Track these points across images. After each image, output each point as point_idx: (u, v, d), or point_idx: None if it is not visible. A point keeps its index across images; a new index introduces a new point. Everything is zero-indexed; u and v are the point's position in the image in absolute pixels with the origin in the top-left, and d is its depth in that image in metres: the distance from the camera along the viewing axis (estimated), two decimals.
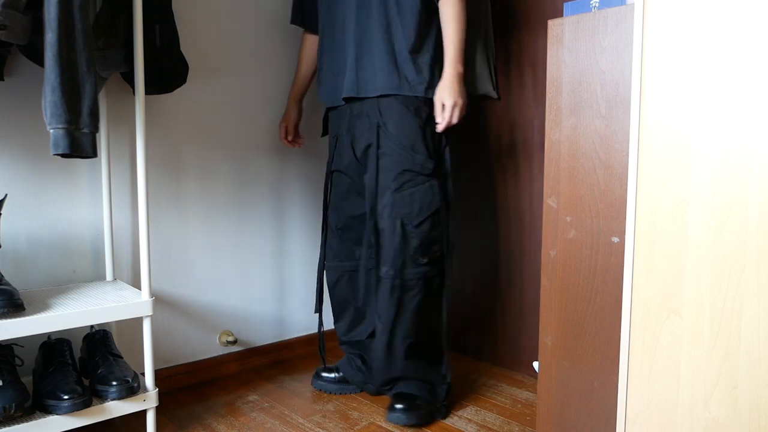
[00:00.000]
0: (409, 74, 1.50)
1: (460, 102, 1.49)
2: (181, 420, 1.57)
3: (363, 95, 1.54)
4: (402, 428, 1.52)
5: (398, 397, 1.56)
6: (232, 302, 1.91)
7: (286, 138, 1.86)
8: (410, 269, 1.51)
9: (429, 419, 1.55)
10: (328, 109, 1.72)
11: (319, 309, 1.75)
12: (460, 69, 1.50)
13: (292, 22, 1.80)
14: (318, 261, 1.88)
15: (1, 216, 1.38)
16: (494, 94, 1.92)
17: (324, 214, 1.75)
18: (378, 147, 1.53)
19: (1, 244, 1.40)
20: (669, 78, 0.96)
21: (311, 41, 1.79)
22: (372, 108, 1.54)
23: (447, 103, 1.48)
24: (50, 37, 1.06)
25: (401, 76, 1.50)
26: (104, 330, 1.46)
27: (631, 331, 1.03)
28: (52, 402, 1.21)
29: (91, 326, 1.51)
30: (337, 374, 1.76)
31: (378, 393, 1.71)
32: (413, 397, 1.57)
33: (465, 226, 2.10)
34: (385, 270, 1.53)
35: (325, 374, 1.78)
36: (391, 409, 1.53)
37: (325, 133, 1.78)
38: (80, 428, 1.26)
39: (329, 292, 1.78)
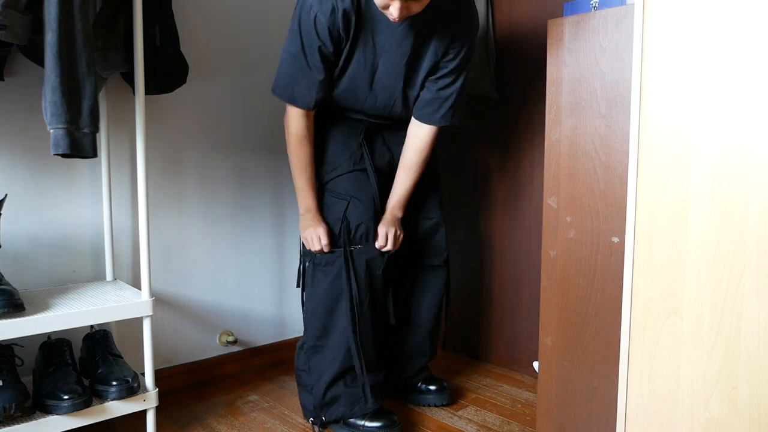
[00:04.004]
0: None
1: (400, 234, 1.53)
2: (181, 420, 1.56)
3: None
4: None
5: (428, 381, 1.68)
6: (232, 302, 1.91)
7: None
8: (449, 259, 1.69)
9: (455, 398, 1.71)
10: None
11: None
12: (400, 215, 1.55)
13: (312, 107, 1.42)
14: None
15: (1, 216, 1.38)
16: (494, 94, 1.92)
17: (343, 217, 1.47)
18: None
19: (1, 244, 1.40)
20: (669, 78, 0.96)
21: (312, 117, 1.48)
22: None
23: (390, 232, 1.50)
24: (50, 37, 1.06)
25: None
26: (104, 330, 1.46)
27: (631, 331, 1.03)
28: (52, 402, 1.21)
29: (91, 326, 1.51)
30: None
31: (402, 383, 1.75)
32: (439, 379, 1.70)
33: (464, 225, 2.10)
34: (441, 261, 1.66)
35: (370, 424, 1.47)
36: (425, 392, 1.66)
37: None
38: (80, 428, 1.26)
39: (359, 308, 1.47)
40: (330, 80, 1.41)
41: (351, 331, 1.43)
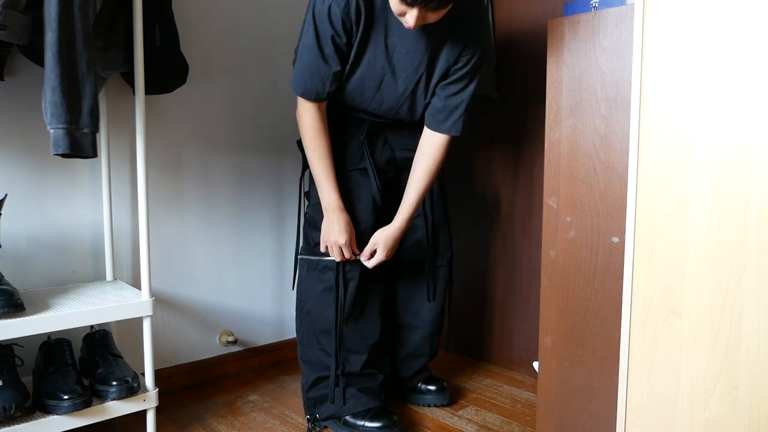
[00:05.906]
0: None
1: (388, 259, 1.47)
2: (182, 420, 1.56)
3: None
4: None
5: (428, 381, 1.69)
6: (232, 302, 1.91)
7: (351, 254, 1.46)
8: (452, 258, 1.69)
9: (455, 398, 1.72)
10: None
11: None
12: (407, 226, 1.48)
13: (323, 99, 1.41)
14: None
15: (1, 216, 1.38)
16: (494, 94, 1.92)
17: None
18: None
19: (1, 244, 1.40)
20: (669, 78, 0.96)
21: (324, 109, 1.46)
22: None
23: (380, 254, 1.44)
24: (50, 37, 1.06)
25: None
26: (104, 330, 1.46)
27: (631, 331, 1.03)
28: (52, 402, 1.21)
29: (91, 326, 1.51)
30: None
31: (402, 383, 1.73)
32: (439, 379, 1.70)
33: (465, 225, 2.10)
34: (444, 261, 1.65)
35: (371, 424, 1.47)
36: (425, 392, 1.67)
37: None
38: (80, 428, 1.26)
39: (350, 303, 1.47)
40: (343, 72, 1.39)
41: (335, 338, 1.46)
